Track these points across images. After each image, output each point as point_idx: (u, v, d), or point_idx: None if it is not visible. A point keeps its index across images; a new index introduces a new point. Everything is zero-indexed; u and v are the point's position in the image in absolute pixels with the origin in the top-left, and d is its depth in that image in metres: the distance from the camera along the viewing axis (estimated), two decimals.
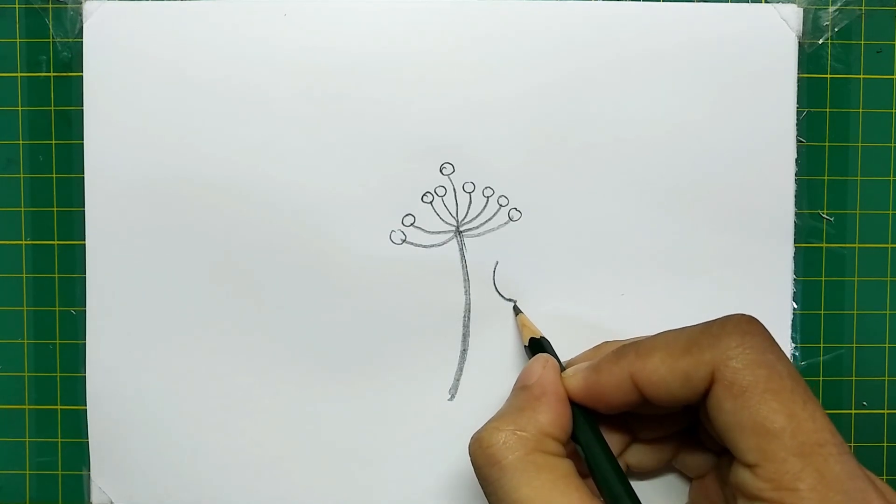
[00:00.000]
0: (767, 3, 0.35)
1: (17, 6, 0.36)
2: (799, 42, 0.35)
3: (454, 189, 0.35)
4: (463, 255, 0.35)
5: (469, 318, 0.35)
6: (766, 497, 0.24)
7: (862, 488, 0.24)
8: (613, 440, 0.30)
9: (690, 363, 0.26)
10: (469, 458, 0.28)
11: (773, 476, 0.24)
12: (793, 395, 0.24)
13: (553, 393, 0.28)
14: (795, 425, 0.24)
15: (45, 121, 0.36)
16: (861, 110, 0.36)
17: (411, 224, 0.35)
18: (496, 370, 0.35)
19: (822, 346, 0.37)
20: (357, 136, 0.35)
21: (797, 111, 0.35)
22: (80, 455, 0.37)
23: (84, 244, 0.36)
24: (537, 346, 0.33)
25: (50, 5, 0.36)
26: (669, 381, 0.26)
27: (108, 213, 0.35)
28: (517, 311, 0.35)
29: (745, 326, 0.26)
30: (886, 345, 0.37)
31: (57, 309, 0.37)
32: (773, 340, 0.26)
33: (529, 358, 0.32)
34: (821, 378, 0.37)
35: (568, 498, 0.25)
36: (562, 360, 0.32)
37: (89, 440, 0.36)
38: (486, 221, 0.35)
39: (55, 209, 0.37)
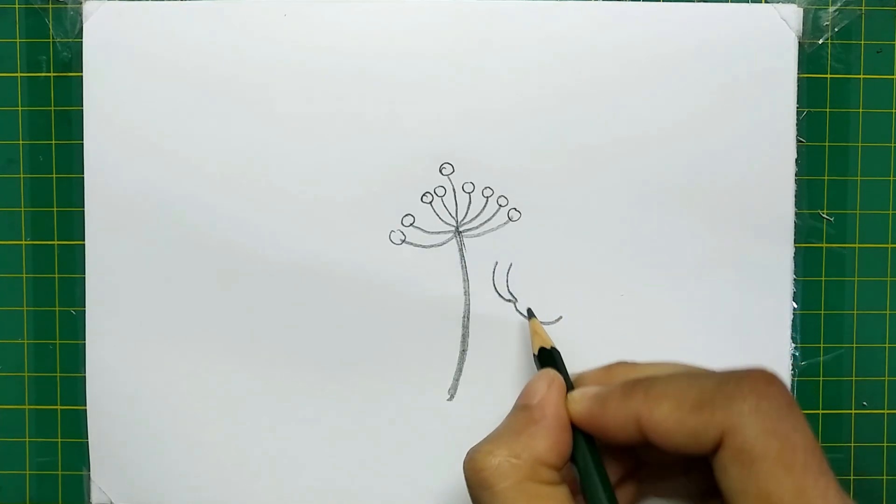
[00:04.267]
0: (767, 3, 0.35)
1: (17, 6, 0.36)
2: (799, 42, 0.35)
3: (454, 189, 0.35)
4: (462, 256, 0.35)
5: (468, 319, 0.35)
6: None
7: None
8: (615, 466, 0.29)
9: (700, 422, 0.24)
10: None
11: None
12: (804, 470, 0.23)
13: (553, 417, 0.27)
14: (804, 503, 0.23)
15: (45, 121, 0.36)
16: (861, 110, 0.36)
17: (411, 224, 0.35)
18: (495, 370, 0.35)
19: (822, 346, 0.36)
20: (356, 136, 0.35)
21: (797, 111, 0.35)
22: (80, 455, 0.37)
23: (84, 244, 0.36)
24: (547, 357, 0.32)
25: (50, 5, 0.36)
26: (676, 435, 0.25)
27: (107, 213, 0.35)
28: (531, 314, 0.35)
29: (763, 388, 0.24)
30: (886, 345, 0.37)
31: (57, 309, 0.37)
32: (792, 403, 0.24)
33: (538, 368, 0.31)
34: (821, 378, 0.36)
35: None
36: (570, 373, 0.31)
37: (89, 440, 0.36)
38: (486, 222, 0.35)
39: (55, 209, 0.37)
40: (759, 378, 0.25)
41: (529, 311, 0.35)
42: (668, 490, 0.30)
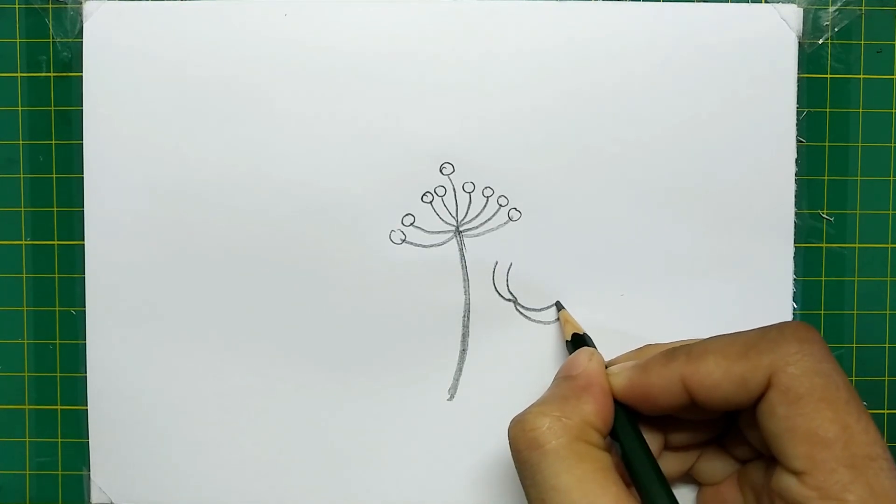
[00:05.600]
0: (767, 3, 0.35)
1: (17, 6, 0.36)
2: (799, 42, 0.35)
3: (454, 189, 0.35)
4: (462, 255, 0.35)
5: (468, 318, 0.35)
6: None
7: None
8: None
9: (747, 367, 0.25)
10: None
11: (822, 485, 0.24)
12: (847, 406, 0.24)
13: (598, 385, 0.28)
14: (848, 437, 0.24)
15: (45, 121, 0.36)
16: (861, 110, 0.36)
17: (411, 224, 0.35)
18: (496, 370, 0.35)
19: None
20: (357, 136, 0.35)
21: (797, 111, 0.35)
22: (80, 455, 0.37)
23: (84, 244, 0.36)
24: (579, 341, 0.32)
25: (50, 5, 0.36)
26: (724, 385, 0.26)
27: (107, 213, 0.35)
28: (559, 307, 0.35)
29: (804, 333, 0.26)
30: (886, 345, 0.37)
31: (57, 309, 0.37)
32: (829, 350, 0.26)
33: (570, 353, 0.31)
34: None
35: (605, 490, 0.25)
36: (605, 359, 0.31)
37: (89, 440, 0.36)
38: (486, 221, 0.35)
39: (55, 209, 0.37)
40: (799, 326, 0.26)
41: (558, 303, 0.35)
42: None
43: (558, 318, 0.35)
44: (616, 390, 0.28)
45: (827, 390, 0.25)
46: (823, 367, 0.25)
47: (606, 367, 0.30)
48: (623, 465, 0.28)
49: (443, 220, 0.35)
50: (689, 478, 0.32)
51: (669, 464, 0.31)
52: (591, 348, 0.31)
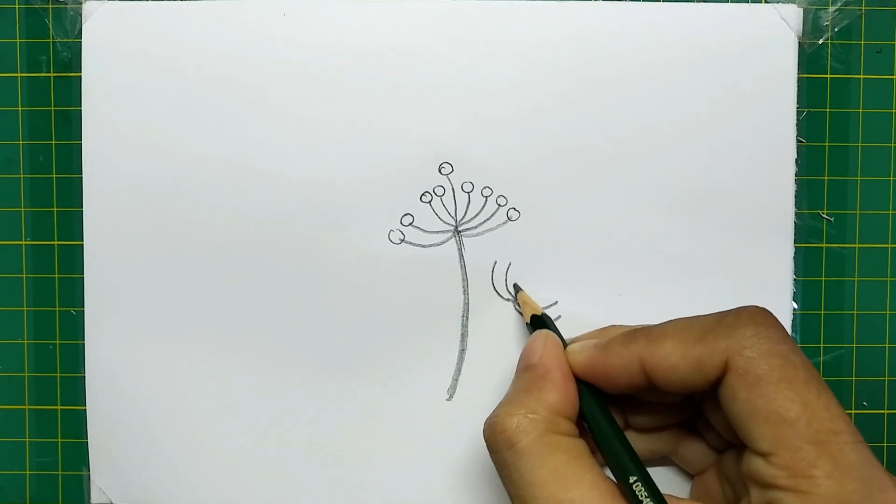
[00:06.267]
0: (767, 3, 0.35)
1: (17, 6, 0.36)
2: (799, 42, 0.35)
3: (453, 189, 0.35)
4: (461, 255, 0.35)
5: (467, 318, 0.35)
6: (782, 485, 0.24)
7: (878, 476, 0.24)
8: None
9: (704, 351, 0.26)
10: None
11: (789, 463, 0.24)
12: (807, 384, 0.25)
13: (557, 369, 0.29)
14: (810, 414, 0.24)
15: (45, 121, 0.37)
16: (861, 110, 0.36)
17: (410, 224, 0.35)
18: (494, 370, 0.35)
19: (822, 346, 0.36)
20: (355, 136, 0.35)
21: (797, 111, 0.35)
22: (80, 455, 0.37)
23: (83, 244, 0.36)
24: (539, 323, 0.33)
25: (50, 5, 0.36)
26: (681, 368, 0.26)
27: (106, 213, 0.35)
28: (517, 289, 0.35)
29: (759, 318, 0.26)
30: (886, 345, 0.37)
31: (57, 309, 0.37)
32: (786, 332, 0.26)
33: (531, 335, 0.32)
34: None
35: (580, 478, 0.25)
36: (566, 338, 0.32)
37: (89, 440, 0.36)
38: (485, 221, 0.35)
39: (55, 209, 0.37)
40: (755, 311, 0.26)
41: (516, 286, 0.35)
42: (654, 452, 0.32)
43: (517, 301, 0.35)
44: (576, 368, 0.29)
45: (785, 370, 0.25)
46: (780, 348, 0.25)
47: (568, 345, 0.30)
48: (594, 441, 0.28)
49: (442, 219, 0.35)
50: (681, 469, 0.33)
51: (637, 444, 0.31)
52: (544, 331, 0.31)
